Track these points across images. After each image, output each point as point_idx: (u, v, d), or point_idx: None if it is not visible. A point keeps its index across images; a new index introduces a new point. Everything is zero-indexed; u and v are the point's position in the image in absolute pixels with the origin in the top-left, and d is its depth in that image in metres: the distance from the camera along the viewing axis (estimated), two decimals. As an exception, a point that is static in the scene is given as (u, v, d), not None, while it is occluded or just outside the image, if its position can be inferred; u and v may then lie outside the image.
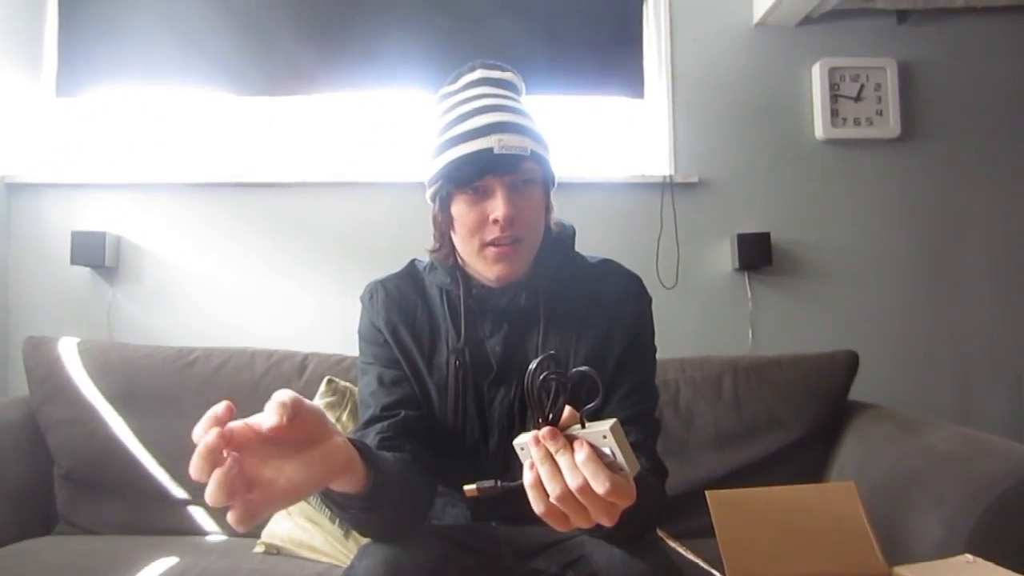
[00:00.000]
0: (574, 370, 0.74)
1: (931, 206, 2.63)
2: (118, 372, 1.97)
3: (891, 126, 2.61)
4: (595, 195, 2.52)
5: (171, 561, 1.57)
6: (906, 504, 1.48)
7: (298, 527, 1.71)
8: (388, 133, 2.64)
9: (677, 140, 2.60)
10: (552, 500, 0.70)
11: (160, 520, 1.86)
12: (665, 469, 1.15)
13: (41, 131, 2.57)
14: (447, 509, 1.23)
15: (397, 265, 1.28)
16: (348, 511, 0.91)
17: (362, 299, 1.25)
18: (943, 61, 2.66)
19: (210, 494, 0.62)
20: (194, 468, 0.62)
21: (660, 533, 1.26)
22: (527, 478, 0.72)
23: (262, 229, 2.52)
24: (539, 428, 0.72)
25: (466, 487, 0.81)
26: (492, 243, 1.10)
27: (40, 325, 2.33)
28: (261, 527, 1.73)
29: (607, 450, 0.69)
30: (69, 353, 1.98)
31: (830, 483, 1.81)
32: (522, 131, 1.09)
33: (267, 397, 0.67)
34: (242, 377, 1.97)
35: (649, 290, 1.25)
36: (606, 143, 2.70)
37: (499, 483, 0.79)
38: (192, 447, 0.62)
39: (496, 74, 1.18)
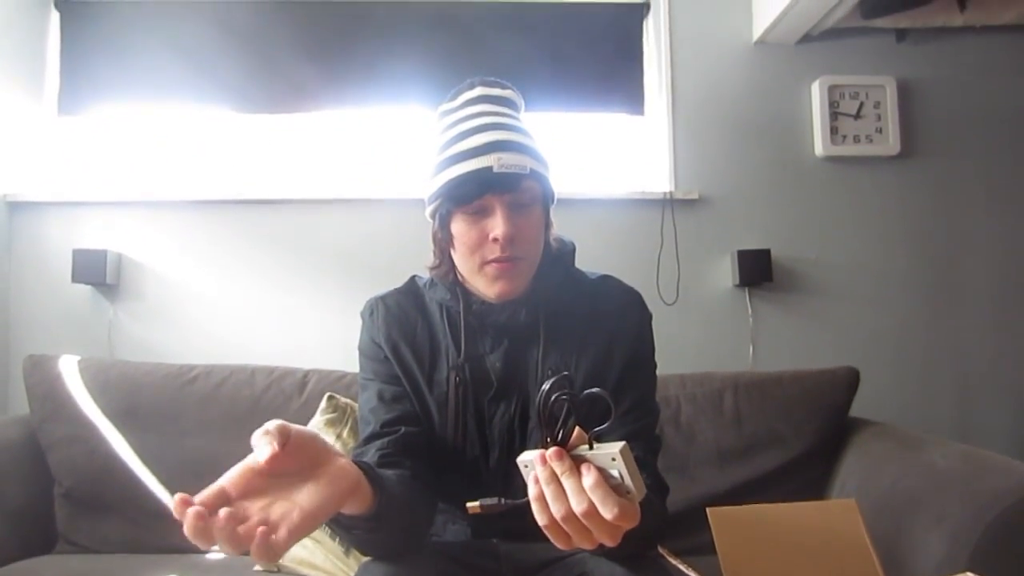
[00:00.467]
0: (585, 392, 0.73)
1: (931, 223, 2.63)
2: (119, 390, 1.97)
3: (891, 143, 2.62)
4: (595, 211, 2.53)
5: (171, 579, 1.57)
6: (907, 522, 1.48)
7: (298, 544, 1.70)
8: (389, 150, 2.65)
9: (677, 157, 2.61)
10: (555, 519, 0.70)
11: (161, 538, 1.84)
12: (666, 486, 1.15)
13: (43, 149, 2.58)
14: (448, 526, 1.23)
15: (397, 281, 1.28)
16: (353, 532, 0.90)
17: (362, 315, 1.25)
18: (942, 79, 2.68)
19: (225, 552, 0.64)
20: (195, 542, 0.64)
21: (661, 550, 1.25)
22: (532, 491, 0.72)
23: (263, 246, 2.53)
24: (546, 447, 0.71)
25: (469, 504, 0.80)
26: (492, 261, 1.10)
27: (41, 343, 2.32)
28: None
29: (615, 472, 0.69)
30: (70, 371, 1.98)
31: (831, 500, 1.80)
32: (521, 149, 1.09)
33: (268, 414, 0.68)
34: (243, 394, 1.97)
35: (649, 306, 1.25)
36: (606, 160, 2.71)
37: (503, 500, 0.79)
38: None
39: (495, 91, 1.18)
